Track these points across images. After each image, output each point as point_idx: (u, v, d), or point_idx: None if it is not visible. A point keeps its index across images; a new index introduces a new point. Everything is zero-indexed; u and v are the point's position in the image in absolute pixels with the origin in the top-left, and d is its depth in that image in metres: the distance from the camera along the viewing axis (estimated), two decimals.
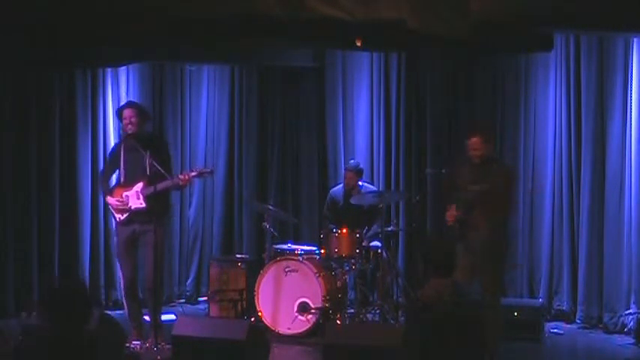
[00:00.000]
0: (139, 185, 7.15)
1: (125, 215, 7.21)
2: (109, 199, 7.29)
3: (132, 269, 7.30)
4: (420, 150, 9.05)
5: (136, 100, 8.44)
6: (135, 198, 7.16)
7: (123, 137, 7.48)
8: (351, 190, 8.55)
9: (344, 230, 7.98)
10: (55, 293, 4.21)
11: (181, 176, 7.19)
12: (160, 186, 7.07)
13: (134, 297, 7.39)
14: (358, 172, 8.58)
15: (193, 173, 7.24)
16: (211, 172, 7.55)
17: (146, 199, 7.10)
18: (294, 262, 7.82)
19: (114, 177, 7.71)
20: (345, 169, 8.70)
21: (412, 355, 5.25)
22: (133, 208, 7.16)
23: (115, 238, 7.45)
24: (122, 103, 8.79)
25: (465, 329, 5.02)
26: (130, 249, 7.28)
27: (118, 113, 7.43)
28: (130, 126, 7.18)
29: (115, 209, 7.28)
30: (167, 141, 8.65)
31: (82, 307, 4.10)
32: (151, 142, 7.28)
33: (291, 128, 9.79)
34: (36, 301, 7.96)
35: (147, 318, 7.37)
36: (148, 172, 7.06)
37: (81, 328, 4.07)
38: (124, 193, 7.21)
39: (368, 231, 8.38)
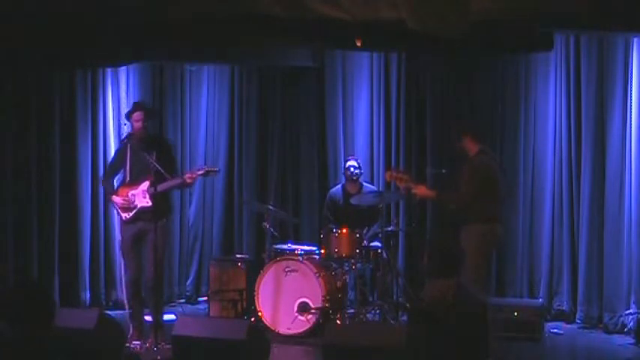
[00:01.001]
0: (146, 184, 7.19)
1: (131, 214, 7.24)
2: (115, 198, 7.32)
3: (137, 268, 7.34)
4: (420, 150, 9.05)
5: (141, 101, 8.45)
6: (141, 197, 7.20)
7: (129, 136, 7.47)
8: (353, 183, 8.55)
9: (344, 230, 7.98)
10: (5, 294, 4.06)
11: (188, 175, 7.29)
12: (167, 185, 7.12)
13: (138, 296, 7.41)
14: (359, 166, 8.60)
15: (200, 172, 7.34)
16: (217, 171, 7.73)
17: (152, 197, 7.14)
18: (294, 262, 7.82)
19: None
20: (346, 161, 8.70)
21: (414, 356, 5.25)
22: (139, 206, 7.20)
23: (119, 237, 7.48)
24: (122, 103, 8.86)
25: (467, 330, 5.01)
26: (136, 247, 7.32)
27: (128, 116, 7.46)
28: (139, 126, 7.23)
29: (120, 208, 7.31)
30: (170, 142, 8.65)
31: (37, 307, 3.89)
32: (156, 143, 7.37)
33: (291, 128, 9.77)
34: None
35: (148, 318, 7.38)
36: (154, 172, 7.10)
37: (43, 329, 3.87)
38: (130, 192, 7.24)
39: (368, 231, 8.38)
